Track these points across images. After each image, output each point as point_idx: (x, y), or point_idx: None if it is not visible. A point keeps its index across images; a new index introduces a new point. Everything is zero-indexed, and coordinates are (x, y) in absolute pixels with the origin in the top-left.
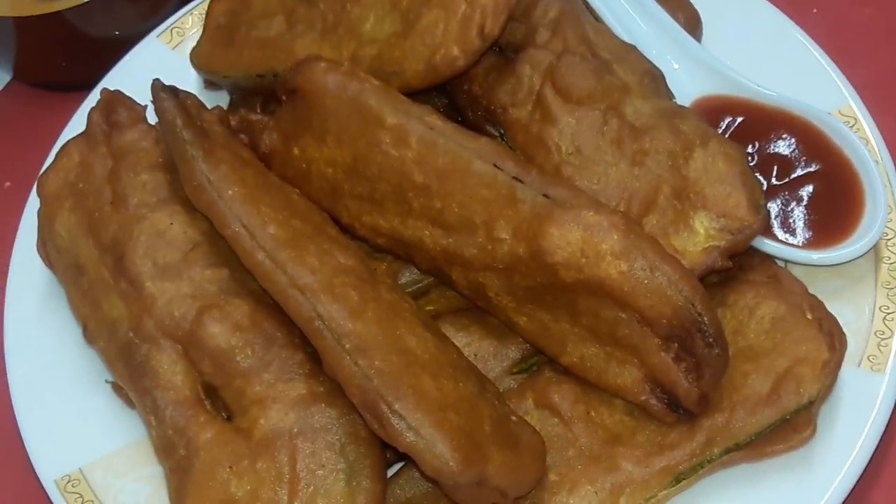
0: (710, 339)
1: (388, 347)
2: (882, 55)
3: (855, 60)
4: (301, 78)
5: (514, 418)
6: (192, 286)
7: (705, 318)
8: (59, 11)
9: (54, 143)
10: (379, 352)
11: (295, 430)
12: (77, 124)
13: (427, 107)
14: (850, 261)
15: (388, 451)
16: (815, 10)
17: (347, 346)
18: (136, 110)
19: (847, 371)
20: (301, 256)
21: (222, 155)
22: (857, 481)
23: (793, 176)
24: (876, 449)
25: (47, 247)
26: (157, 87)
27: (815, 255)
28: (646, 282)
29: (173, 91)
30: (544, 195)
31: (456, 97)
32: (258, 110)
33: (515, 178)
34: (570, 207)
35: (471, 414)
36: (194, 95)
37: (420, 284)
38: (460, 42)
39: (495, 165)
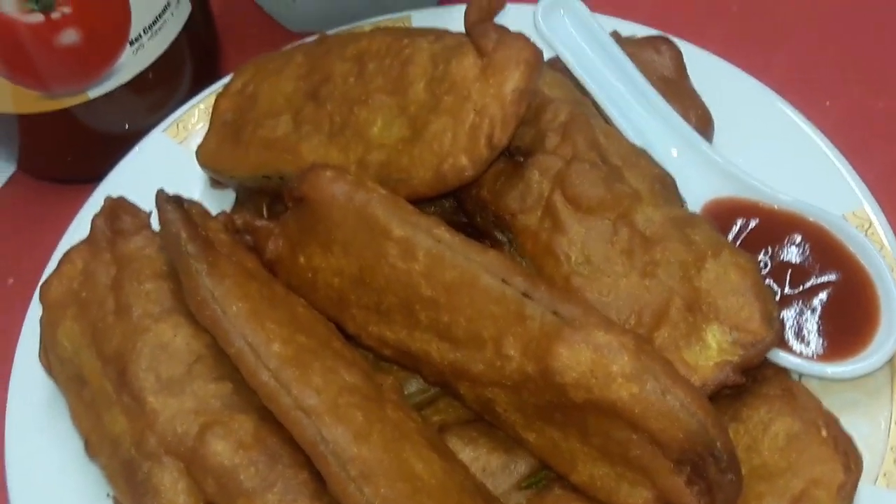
0: (724, 465)
1: (393, 473)
2: (895, 149)
3: (868, 155)
4: (307, 186)
5: None
6: (196, 401)
7: (718, 443)
8: (64, 108)
9: (58, 238)
10: (384, 478)
11: None
12: (79, 227)
13: (435, 218)
14: (864, 375)
15: None
16: (827, 103)
17: (352, 472)
18: (140, 217)
19: (863, 488)
20: (306, 375)
21: (227, 268)
22: None
23: (807, 284)
24: None
25: (49, 356)
26: (162, 198)
27: (831, 369)
28: (657, 405)
29: (178, 201)
30: (553, 312)
31: (464, 202)
32: (264, 209)
33: (524, 294)
34: (579, 326)
35: None
36: (199, 203)
37: (427, 394)
38: (469, 151)
39: (504, 280)
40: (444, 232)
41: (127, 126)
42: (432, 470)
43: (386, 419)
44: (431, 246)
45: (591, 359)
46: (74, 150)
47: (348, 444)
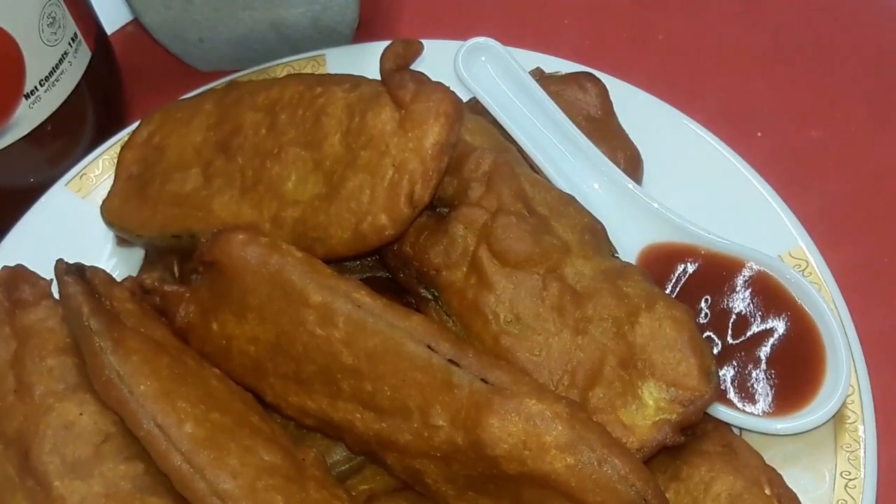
0: None
1: None
2: (831, 180)
3: (803, 187)
4: (218, 250)
5: None
6: (105, 484)
7: None
8: None
9: None
10: None
11: None
12: None
13: (354, 281)
14: (811, 430)
15: None
16: (759, 134)
17: None
18: (41, 286)
19: None
20: (221, 457)
21: (133, 344)
22: None
23: (749, 333)
24: None
25: None
26: (62, 269)
27: (776, 425)
28: (594, 476)
29: (79, 272)
30: (483, 380)
31: (386, 257)
32: (175, 268)
33: (451, 361)
34: (510, 395)
35: None
36: (102, 271)
37: (353, 462)
38: (388, 210)
39: (430, 347)
40: (364, 296)
41: (29, 180)
42: None
43: (308, 501)
44: (352, 311)
45: (523, 429)
46: None
47: None
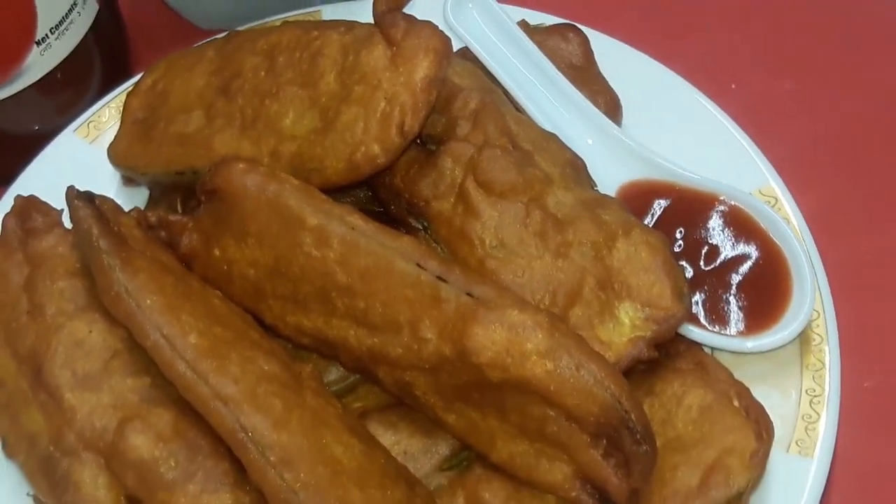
0: (639, 436)
1: (313, 458)
2: (801, 129)
3: (774, 135)
4: (220, 179)
5: None
6: (113, 396)
7: (632, 416)
8: None
9: None
10: (304, 464)
11: None
12: None
13: (348, 206)
14: (778, 348)
15: None
16: (733, 86)
17: (272, 458)
18: (52, 215)
19: (776, 456)
20: (223, 366)
21: (140, 263)
22: None
23: (720, 261)
24: None
25: None
26: (72, 195)
27: (745, 343)
28: (572, 380)
29: (89, 197)
30: (468, 294)
31: (378, 190)
32: (178, 206)
33: (439, 278)
34: (494, 307)
35: None
36: (111, 199)
37: (347, 382)
38: (380, 140)
39: (418, 265)
40: (357, 219)
41: (37, 127)
42: (353, 454)
43: (305, 406)
44: (345, 233)
45: (505, 338)
46: None
47: (267, 431)
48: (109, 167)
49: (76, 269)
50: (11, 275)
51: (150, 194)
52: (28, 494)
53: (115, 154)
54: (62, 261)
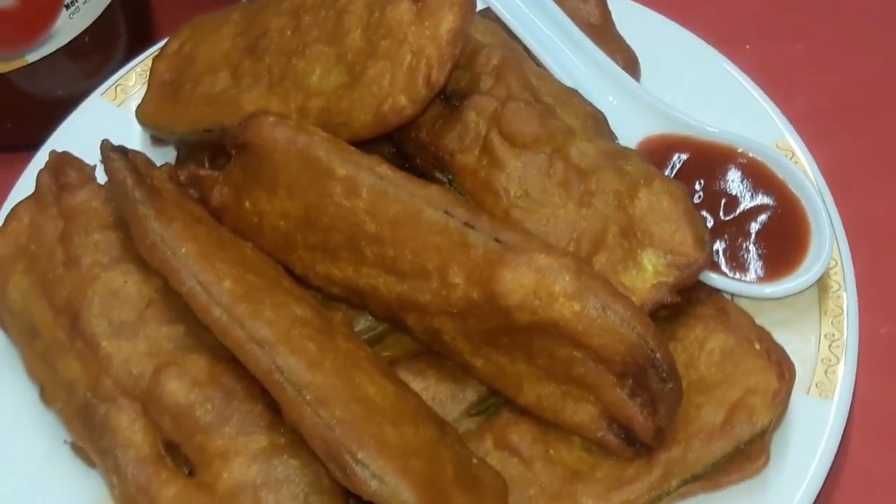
0: (664, 374)
1: (348, 397)
2: (814, 89)
3: (788, 95)
4: (250, 132)
5: (475, 461)
6: (149, 344)
7: (658, 354)
8: (2, 74)
9: (1, 204)
10: (339, 402)
11: (258, 482)
12: (24, 186)
13: (376, 157)
14: (797, 293)
15: (350, 500)
16: (747, 47)
17: (308, 397)
18: (86, 170)
19: (796, 398)
20: (257, 310)
21: (174, 213)
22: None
23: (739, 211)
24: (828, 477)
25: (0, 311)
26: (106, 147)
27: (764, 289)
28: (599, 321)
29: (122, 151)
30: (496, 240)
31: (404, 145)
32: (206, 164)
33: (466, 224)
34: (521, 251)
35: (432, 459)
36: (143, 154)
37: (375, 331)
38: (407, 91)
39: (446, 212)
40: (386, 169)
41: (65, 91)
42: (385, 394)
43: (337, 349)
44: (374, 182)
45: (533, 280)
46: (13, 117)
47: (303, 371)
48: (137, 130)
49: (110, 222)
50: (47, 228)
51: (178, 154)
52: (65, 441)
53: (144, 115)
54: (96, 214)
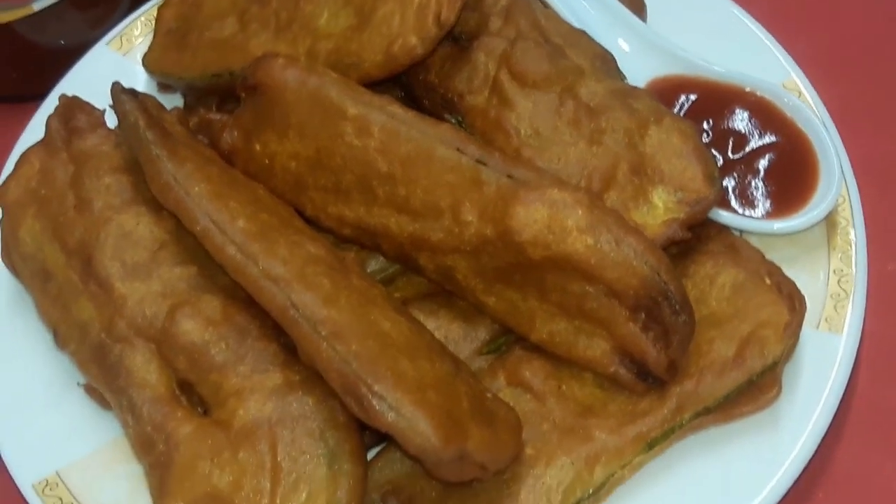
0: (677, 307)
1: (363, 332)
2: (819, 31)
3: (794, 37)
4: (260, 74)
5: (489, 395)
6: (162, 284)
7: (671, 287)
8: (7, 23)
9: (8, 154)
10: (355, 336)
11: (274, 418)
12: (32, 134)
13: (387, 96)
14: (807, 228)
15: (366, 433)
16: None
17: (324, 332)
18: (95, 115)
19: (806, 333)
20: (271, 248)
21: (186, 153)
22: (823, 439)
23: (748, 149)
24: (838, 409)
25: (12, 255)
26: (117, 90)
27: (773, 225)
28: (612, 254)
29: (133, 93)
30: (508, 176)
31: (413, 87)
32: (214, 110)
33: (479, 162)
34: (534, 187)
35: (448, 392)
36: (153, 97)
37: (387, 273)
38: (417, 30)
39: (458, 150)
40: (397, 108)
41: (70, 41)
42: (400, 329)
43: (352, 286)
44: (386, 121)
45: (547, 215)
46: (19, 67)
47: (318, 307)
48: (143, 78)
49: (121, 165)
50: (57, 173)
51: (185, 100)
52: (79, 384)
53: (151, 62)
54: (107, 158)
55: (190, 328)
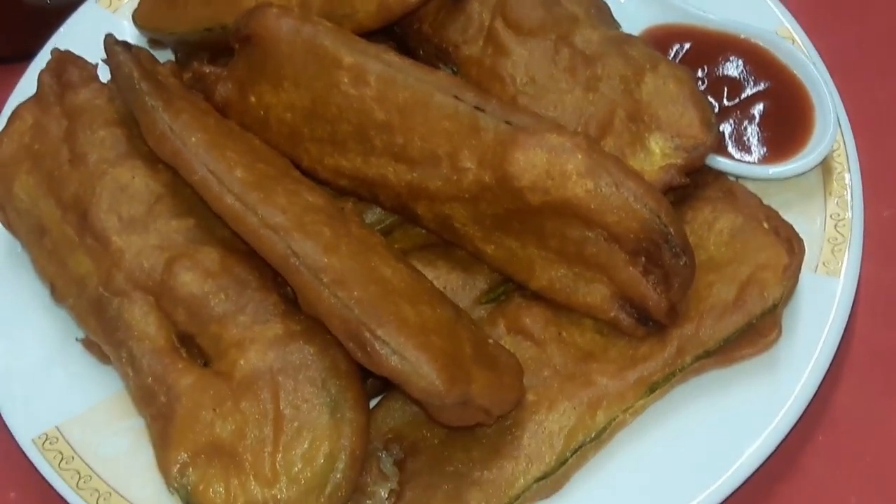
0: (677, 249)
1: (365, 278)
2: None
3: None
4: (254, 24)
5: (490, 342)
6: (160, 237)
7: (671, 229)
8: None
9: None
10: (357, 283)
11: (275, 368)
12: (22, 94)
13: (383, 45)
14: (803, 173)
15: (369, 380)
16: None
17: (325, 279)
18: (88, 69)
19: (804, 277)
20: (270, 197)
21: (182, 104)
22: (822, 382)
23: (743, 96)
24: (836, 353)
25: (7, 211)
26: (111, 42)
27: (769, 170)
28: (612, 198)
29: (126, 45)
30: (506, 122)
31: (407, 38)
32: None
33: (477, 108)
34: (533, 132)
35: (451, 337)
36: (146, 50)
37: (384, 224)
38: None
39: (456, 97)
40: (393, 56)
41: (59, 0)
42: (401, 276)
43: (351, 235)
44: (382, 70)
45: (546, 160)
46: (7, 27)
47: (318, 255)
48: (133, 35)
49: (115, 119)
50: (51, 127)
51: (176, 56)
52: (77, 339)
53: (141, 18)
54: (101, 112)
55: (189, 280)
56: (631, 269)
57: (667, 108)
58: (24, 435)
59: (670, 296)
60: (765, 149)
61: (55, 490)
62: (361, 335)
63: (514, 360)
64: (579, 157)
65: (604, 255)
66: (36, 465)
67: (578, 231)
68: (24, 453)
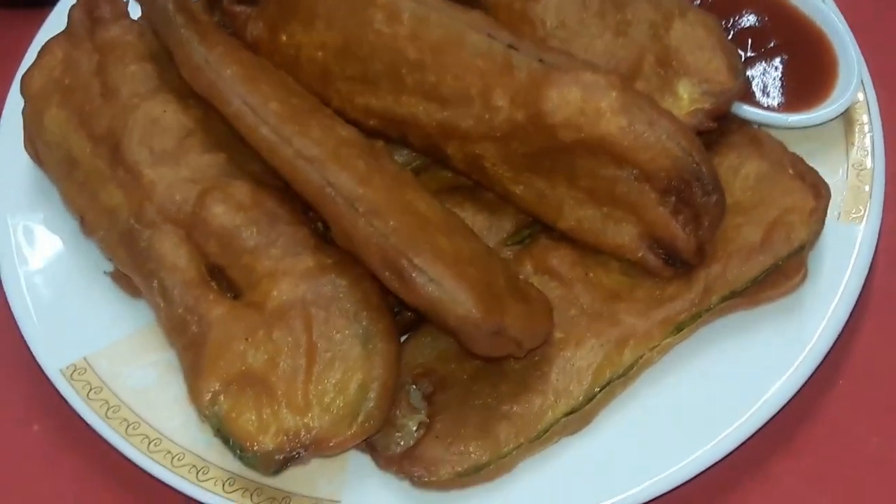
0: (709, 187)
1: (400, 209)
2: None
3: None
4: None
5: (520, 277)
6: (191, 171)
7: (703, 167)
8: None
9: (22, 57)
10: (393, 213)
11: (308, 299)
12: (49, 30)
13: None
14: (826, 122)
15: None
16: None
17: (361, 209)
18: (119, 5)
19: (827, 225)
20: (304, 130)
21: (217, 37)
22: (844, 327)
23: (767, 46)
24: (858, 301)
25: (36, 144)
26: None
27: (794, 118)
28: (645, 135)
29: None
30: (540, 60)
31: None
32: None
33: (510, 47)
34: (566, 70)
35: (486, 269)
36: None
37: (411, 166)
38: None
39: (489, 35)
40: None
41: None
42: (434, 210)
43: (384, 169)
44: (415, 8)
45: (580, 97)
46: None
47: (354, 186)
48: None
49: (146, 54)
50: (82, 62)
51: None
52: (105, 272)
53: None
54: (132, 47)
55: (220, 212)
56: (661, 208)
57: (695, 54)
58: (52, 365)
59: (699, 235)
60: (788, 99)
61: (82, 420)
62: (398, 263)
63: (543, 296)
64: (613, 94)
65: (634, 195)
66: (64, 395)
67: (609, 170)
68: (46, 386)
